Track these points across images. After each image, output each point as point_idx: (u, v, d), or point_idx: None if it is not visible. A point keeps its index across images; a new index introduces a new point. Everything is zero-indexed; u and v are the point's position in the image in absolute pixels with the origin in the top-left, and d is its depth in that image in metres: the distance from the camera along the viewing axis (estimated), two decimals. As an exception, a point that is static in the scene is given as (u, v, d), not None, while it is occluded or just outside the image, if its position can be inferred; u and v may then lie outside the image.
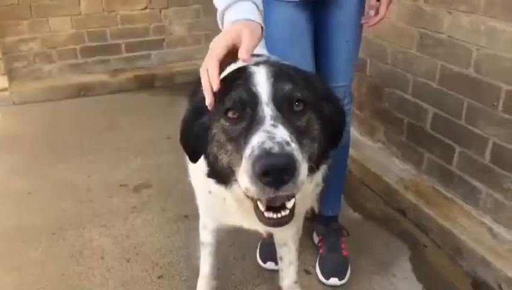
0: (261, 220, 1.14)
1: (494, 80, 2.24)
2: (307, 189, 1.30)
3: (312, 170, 1.19)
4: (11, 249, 2.48)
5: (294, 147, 1.01)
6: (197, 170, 1.45)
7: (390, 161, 3.06)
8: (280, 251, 1.94)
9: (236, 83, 1.18)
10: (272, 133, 1.01)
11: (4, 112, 4.25)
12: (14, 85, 4.50)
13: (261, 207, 1.12)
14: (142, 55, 5.08)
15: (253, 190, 1.02)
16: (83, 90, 4.65)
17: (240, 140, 1.10)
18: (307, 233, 2.44)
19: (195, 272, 2.14)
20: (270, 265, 2.29)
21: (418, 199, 2.65)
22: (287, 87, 1.14)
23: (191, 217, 2.65)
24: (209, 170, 1.29)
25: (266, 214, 1.12)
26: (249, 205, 1.18)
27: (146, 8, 4.93)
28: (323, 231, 2.39)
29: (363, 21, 1.96)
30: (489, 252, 2.22)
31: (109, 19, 4.84)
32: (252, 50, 1.21)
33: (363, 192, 3.00)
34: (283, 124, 1.06)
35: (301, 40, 1.86)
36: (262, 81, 1.15)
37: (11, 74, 4.53)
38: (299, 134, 1.10)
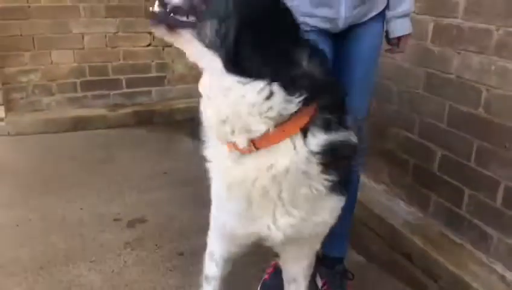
0: None
1: (505, 121, 2.19)
2: None
3: None
4: (-8, 285, 2.32)
5: None
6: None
7: (395, 203, 2.96)
8: (288, 288, 1.80)
9: None
10: None
11: (-2, 142, 4.15)
12: (10, 116, 4.42)
13: None
14: (143, 91, 5.04)
15: None
16: (80, 124, 4.57)
17: None
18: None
19: (190, 314, 2.01)
20: (270, 309, 2.15)
21: (425, 244, 2.54)
22: None
23: (187, 255, 2.52)
24: None
25: None
26: None
27: (149, 45, 4.95)
28: (328, 273, 2.26)
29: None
30: (502, 301, 2.10)
31: (112, 54, 4.83)
32: None
33: (366, 234, 2.87)
34: None
35: None
36: None
37: (8, 105, 4.46)
38: None
